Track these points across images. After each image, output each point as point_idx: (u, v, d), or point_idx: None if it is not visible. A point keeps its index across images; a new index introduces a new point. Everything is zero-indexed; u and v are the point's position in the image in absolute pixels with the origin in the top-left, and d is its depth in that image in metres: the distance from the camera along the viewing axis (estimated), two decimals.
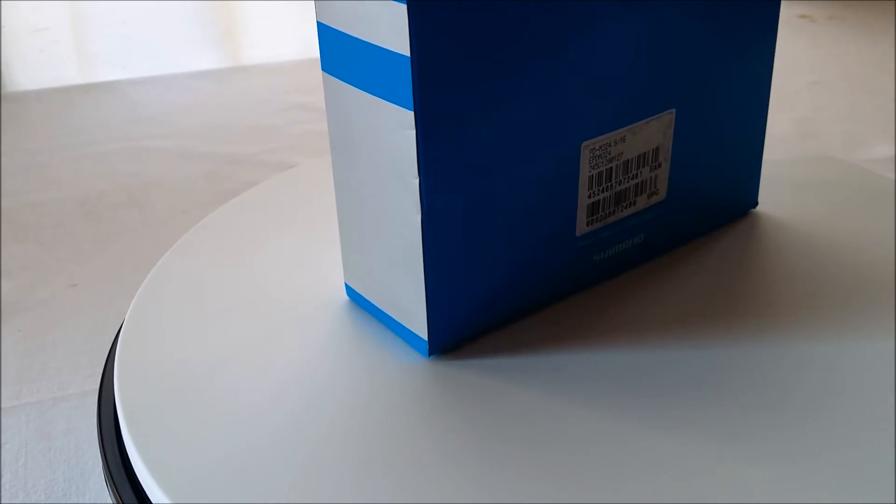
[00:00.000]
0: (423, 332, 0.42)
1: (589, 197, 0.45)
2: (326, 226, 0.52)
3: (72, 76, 1.19)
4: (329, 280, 0.48)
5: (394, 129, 0.39)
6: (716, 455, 0.37)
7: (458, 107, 0.38)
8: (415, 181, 0.39)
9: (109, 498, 0.42)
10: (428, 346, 0.42)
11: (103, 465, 0.41)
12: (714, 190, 0.50)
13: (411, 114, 0.37)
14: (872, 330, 0.43)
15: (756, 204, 0.53)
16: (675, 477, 0.36)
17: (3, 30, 1.34)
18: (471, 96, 0.39)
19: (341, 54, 0.40)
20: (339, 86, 0.41)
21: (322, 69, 0.42)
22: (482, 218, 0.41)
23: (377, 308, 0.45)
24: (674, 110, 0.46)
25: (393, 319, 0.44)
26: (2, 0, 1.42)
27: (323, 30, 0.41)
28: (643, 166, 0.46)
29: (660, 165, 0.47)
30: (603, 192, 0.45)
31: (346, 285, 0.46)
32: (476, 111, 0.39)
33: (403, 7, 0.36)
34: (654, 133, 0.46)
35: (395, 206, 0.40)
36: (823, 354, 0.42)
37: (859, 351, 0.42)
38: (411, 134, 0.38)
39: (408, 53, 0.36)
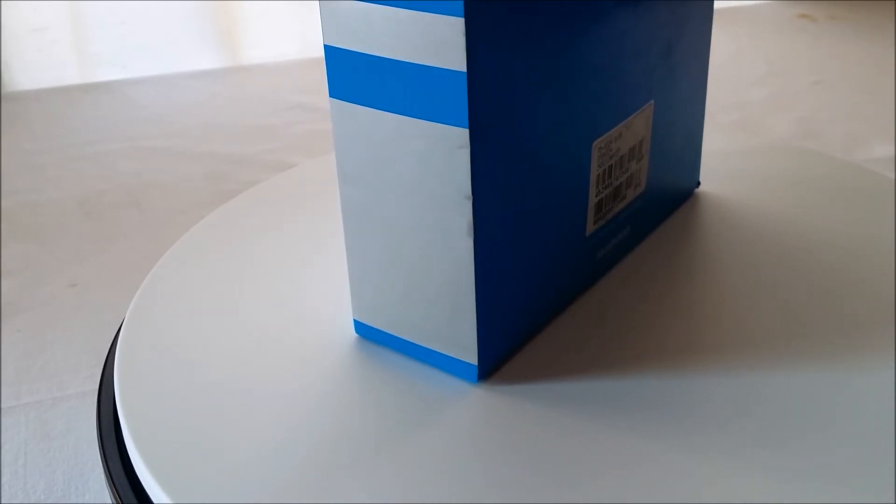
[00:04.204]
0: (471, 358, 0.40)
1: (596, 196, 0.45)
2: (327, 225, 0.52)
3: (71, 76, 1.19)
4: (332, 278, 0.48)
5: (441, 149, 0.36)
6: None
7: (505, 120, 0.37)
8: (467, 202, 0.37)
9: (109, 498, 0.41)
10: (478, 371, 0.40)
11: (103, 465, 0.41)
12: (676, 174, 0.53)
13: (465, 132, 0.35)
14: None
15: (699, 184, 0.56)
16: None
17: (2, 30, 1.34)
18: (514, 108, 0.37)
19: (360, 78, 0.37)
20: (356, 111, 0.38)
21: (331, 96, 0.38)
22: (520, 232, 0.40)
23: (402, 340, 0.42)
24: (653, 101, 0.46)
25: (424, 348, 0.41)
26: (2, 0, 1.42)
27: (334, 53, 0.37)
28: (632, 160, 0.46)
29: (643, 157, 0.47)
30: (605, 189, 0.45)
31: (356, 321, 0.44)
32: (519, 123, 0.38)
33: (460, 20, 0.33)
34: (640, 126, 0.46)
35: (440, 230, 0.38)
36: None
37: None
38: (465, 153, 0.36)
39: (463, 69, 0.34)
